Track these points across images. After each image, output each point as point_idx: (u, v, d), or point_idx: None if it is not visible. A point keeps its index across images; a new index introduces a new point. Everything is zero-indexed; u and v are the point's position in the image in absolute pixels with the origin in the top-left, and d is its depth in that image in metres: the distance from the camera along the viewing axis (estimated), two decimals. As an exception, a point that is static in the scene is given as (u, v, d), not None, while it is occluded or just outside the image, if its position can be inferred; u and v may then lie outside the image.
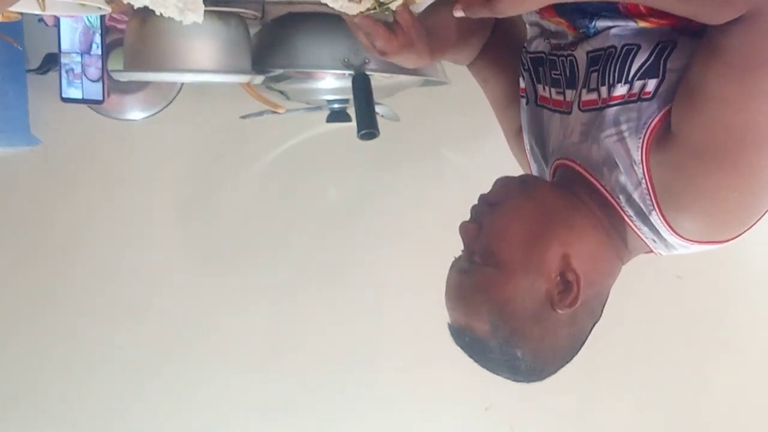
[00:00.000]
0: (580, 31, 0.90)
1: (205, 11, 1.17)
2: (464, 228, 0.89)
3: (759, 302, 1.88)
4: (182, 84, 1.62)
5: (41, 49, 1.54)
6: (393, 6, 0.88)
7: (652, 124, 0.79)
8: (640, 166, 0.81)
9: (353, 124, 1.28)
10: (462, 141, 1.81)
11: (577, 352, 0.90)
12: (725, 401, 1.90)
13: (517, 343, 0.85)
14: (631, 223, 0.85)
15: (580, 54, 0.89)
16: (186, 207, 1.86)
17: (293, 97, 1.53)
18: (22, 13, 0.94)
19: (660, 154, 0.79)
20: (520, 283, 0.84)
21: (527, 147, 1.02)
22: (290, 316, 1.88)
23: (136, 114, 1.64)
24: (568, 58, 0.91)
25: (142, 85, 1.60)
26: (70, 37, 1.35)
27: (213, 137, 1.82)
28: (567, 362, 0.90)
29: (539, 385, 1.87)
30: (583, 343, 0.90)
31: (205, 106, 1.73)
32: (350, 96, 1.29)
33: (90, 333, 1.85)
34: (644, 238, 0.85)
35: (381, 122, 1.30)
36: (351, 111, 1.37)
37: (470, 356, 0.89)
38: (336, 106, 1.48)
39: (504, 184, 0.92)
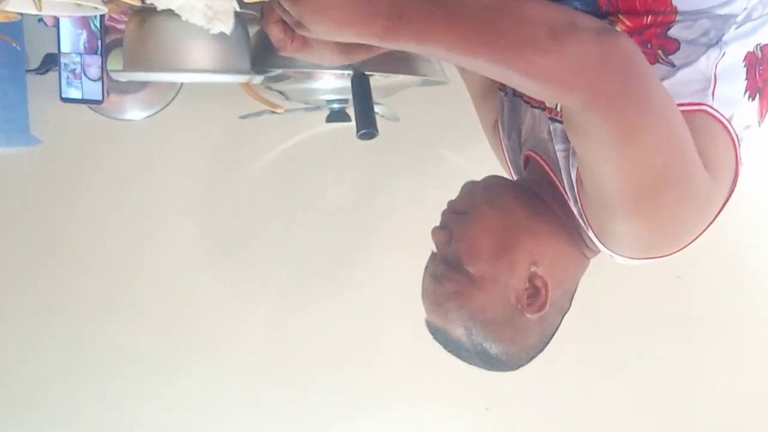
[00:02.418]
0: None
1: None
2: (436, 234, 0.93)
3: (759, 302, 1.88)
4: (182, 84, 1.62)
5: (41, 50, 1.54)
6: None
7: None
8: (575, 187, 0.83)
9: (352, 123, 1.28)
10: (462, 141, 1.81)
11: (547, 344, 0.93)
12: (725, 401, 1.89)
13: (490, 345, 0.89)
14: (581, 223, 0.87)
15: None
16: (185, 207, 1.86)
17: (292, 97, 1.53)
18: (21, 14, 0.94)
19: (580, 186, 0.81)
20: (491, 292, 0.87)
21: (504, 137, 1.03)
22: (290, 315, 1.88)
23: (135, 114, 1.65)
24: None
25: (142, 85, 1.60)
26: (70, 39, 1.35)
27: (212, 137, 1.82)
28: (538, 353, 0.94)
29: (539, 385, 1.88)
30: (554, 335, 0.93)
31: (204, 106, 1.73)
32: (349, 96, 1.29)
33: (90, 332, 1.85)
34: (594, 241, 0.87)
35: (380, 122, 1.30)
36: (350, 111, 1.37)
37: (446, 350, 0.93)
38: (335, 105, 1.48)
39: (469, 190, 0.94)
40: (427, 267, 0.95)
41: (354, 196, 1.89)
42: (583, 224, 0.85)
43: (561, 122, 0.84)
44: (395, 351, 1.86)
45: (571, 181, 0.83)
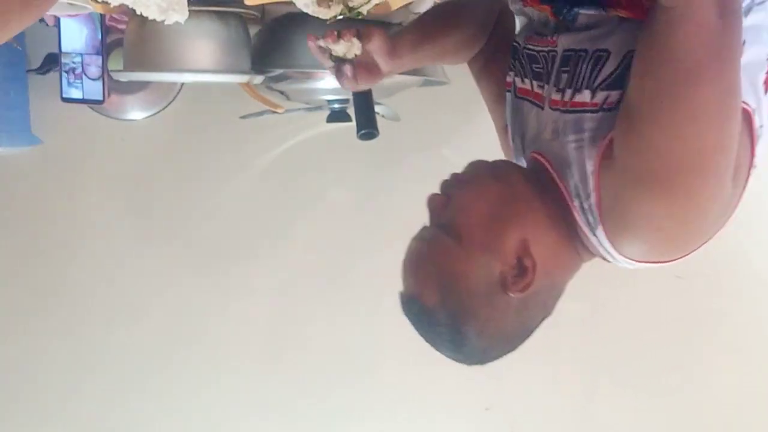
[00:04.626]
0: (560, 17, 0.89)
1: (204, 11, 1.17)
2: (431, 199, 0.91)
3: (759, 302, 1.88)
4: (182, 84, 1.62)
5: (42, 50, 1.54)
6: (363, 10, 0.89)
7: (609, 138, 0.77)
8: (592, 178, 0.80)
9: (353, 124, 1.29)
10: (462, 141, 1.81)
11: (521, 342, 0.89)
12: (725, 401, 1.89)
13: (464, 319, 0.85)
14: (584, 228, 0.84)
15: (560, 50, 0.88)
16: (186, 207, 1.86)
17: (293, 97, 1.53)
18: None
19: (606, 171, 0.78)
20: (477, 259, 0.84)
21: (510, 140, 1.03)
22: (290, 315, 1.88)
23: (136, 114, 1.65)
24: (550, 54, 0.90)
25: (143, 85, 1.60)
26: (70, 39, 1.35)
27: (213, 137, 1.82)
28: (510, 350, 0.89)
29: (539, 385, 1.87)
30: (529, 335, 0.89)
31: (205, 106, 1.73)
32: (350, 96, 1.29)
33: (89, 333, 1.85)
34: (595, 246, 0.84)
35: (381, 122, 1.31)
36: (351, 111, 1.37)
37: (416, 329, 0.90)
38: (336, 106, 1.48)
39: (475, 164, 0.92)
40: (414, 236, 0.93)
41: (354, 196, 1.89)
42: (589, 223, 0.82)
43: (568, 111, 0.83)
44: (395, 351, 1.86)
45: (585, 173, 0.80)
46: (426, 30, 1.02)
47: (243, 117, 1.55)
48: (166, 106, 1.64)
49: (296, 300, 1.87)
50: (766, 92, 0.79)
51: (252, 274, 1.86)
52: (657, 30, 0.70)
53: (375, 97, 1.28)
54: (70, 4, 0.90)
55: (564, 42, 0.87)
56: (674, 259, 0.82)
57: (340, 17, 0.91)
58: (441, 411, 1.91)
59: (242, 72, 1.28)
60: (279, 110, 1.46)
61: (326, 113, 1.50)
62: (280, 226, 1.87)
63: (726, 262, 1.80)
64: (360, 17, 0.92)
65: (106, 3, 0.91)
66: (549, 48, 0.90)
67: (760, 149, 0.79)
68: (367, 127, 1.26)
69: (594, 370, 1.87)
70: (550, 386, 1.86)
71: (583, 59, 0.83)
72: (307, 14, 0.95)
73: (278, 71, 1.36)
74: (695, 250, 0.81)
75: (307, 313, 1.88)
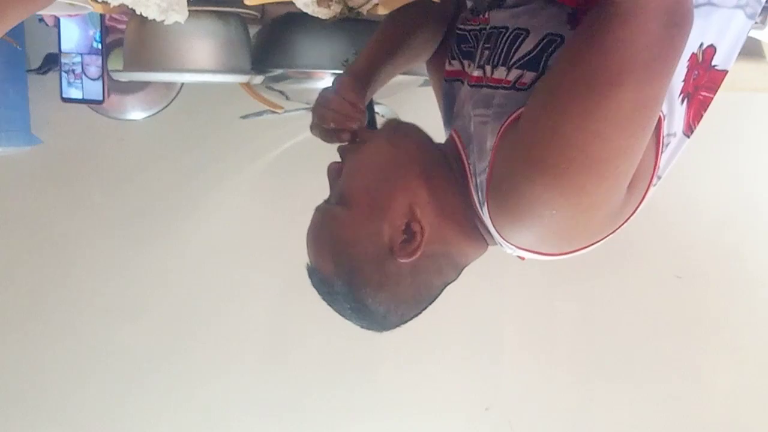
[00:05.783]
0: None
1: (204, 11, 1.17)
2: (329, 168, 0.93)
3: (759, 302, 1.88)
4: (182, 84, 1.62)
5: (42, 50, 1.55)
6: (363, 10, 0.89)
7: (514, 115, 0.75)
8: (489, 154, 0.78)
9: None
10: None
11: (422, 308, 0.89)
12: (725, 401, 1.90)
13: (358, 286, 0.85)
14: (477, 207, 0.83)
15: (488, 28, 0.87)
16: (186, 207, 1.86)
17: (293, 97, 1.53)
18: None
19: (503, 148, 0.76)
20: (364, 225, 0.84)
21: (444, 128, 1.03)
22: (290, 315, 1.88)
23: (136, 114, 1.65)
24: (481, 32, 0.89)
25: (143, 85, 1.60)
26: (70, 39, 1.35)
27: (213, 137, 1.82)
28: (412, 315, 0.90)
29: (539, 385, 1.87)
30: (431, 300, 0.89)
31: (205, 106, 1.73)
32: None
33: (90, 332, 1.85)
34: (487, 226, 0.82)
35: (380, 122, 1.30)
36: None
37: (323, 299, 0.90)
38: (336, 106, 1.48)
39: (383, 125, 0.93)
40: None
41: (354, 196, 1.89)
42: (479, 201, 0.81)
43: (489, 87, 0.82)
44: (396, 351, 1.86)
45: (484, 149, 0.79)
46: (385, 46, 1.01)
47: (243, 117, 1.55)
48: (166, 106, 1.64)
49: (296, 300, 1.86)
50: (681, 103, 0.78)
51: (252, 274, 1.87)
52: (599, 19, 0.68)
53: (375, 96, 1.28)
54: (70, 4, 0.90)
55: (494, 19, 0.86)
56: (554, 254, 0.80)
57: (341, 17, 0.91)
58: (441, 411, 1.91)
59: (242, 72, 1.28)
60: (279, 110, 1.46)
61: (326, 113, 1.50)
62: (280, 226, 1.86)
63: (726, 262, 1.80)
64: (360, 17, 0.92)
65: (106, 3, 0.91)
66: (481, 26, 0.89)
67: (664, 159, 0.77)
68: (368, 127, 1.26)
69: (592, 370, 1.88)
70: (549, 386, 1.86)
71: (503, 36, 0.82)
72: (307, 14, 0.95)
73: (278, 71, 1.36)
74: (579, 250, 0.79)
75: (307, 313, 1.87)
